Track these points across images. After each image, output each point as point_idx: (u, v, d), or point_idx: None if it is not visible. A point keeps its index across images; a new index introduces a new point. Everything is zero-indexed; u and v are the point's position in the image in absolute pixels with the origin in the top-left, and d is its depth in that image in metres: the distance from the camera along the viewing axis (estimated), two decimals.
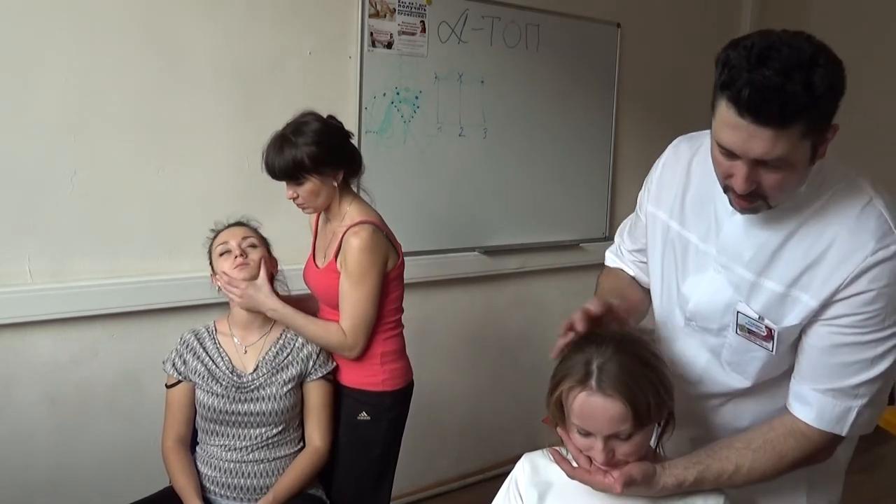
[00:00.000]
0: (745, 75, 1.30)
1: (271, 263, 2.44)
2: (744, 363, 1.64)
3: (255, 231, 2.46)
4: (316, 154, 2.32)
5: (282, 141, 2.35)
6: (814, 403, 1.54)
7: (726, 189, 1.48)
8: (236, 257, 2.34)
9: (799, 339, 1.56)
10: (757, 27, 4.86)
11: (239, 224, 2.46)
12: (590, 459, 1.53)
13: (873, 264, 1.43)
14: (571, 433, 1.54)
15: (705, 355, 1.70)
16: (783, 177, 1.39)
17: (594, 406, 1.47)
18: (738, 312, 1.60)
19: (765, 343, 1.58)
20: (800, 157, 1.37)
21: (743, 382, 1.66)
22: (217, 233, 2.44)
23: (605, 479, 1.50)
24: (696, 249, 1.67)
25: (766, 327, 1.56)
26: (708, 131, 1.52)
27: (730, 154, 1.40)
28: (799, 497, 1.76)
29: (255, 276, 2.34)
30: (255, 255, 2.38)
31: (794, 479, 1.67)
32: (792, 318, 1.53)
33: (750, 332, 1.59)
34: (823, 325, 1.50)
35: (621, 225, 2.02)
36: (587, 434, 1.51)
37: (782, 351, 1.58)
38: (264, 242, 2.46)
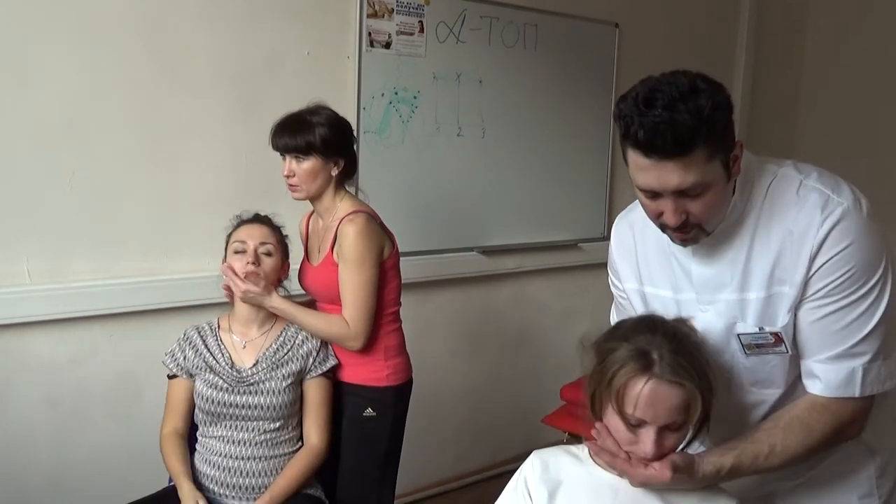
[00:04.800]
0: (637, 120, 1.43)
1: (283, 270, 2.45)
2: (768, 377, 1.68)
3: (277, 231, 2.45)
4: (327, 133, 2.40)
5: (296, 116, 2.43)
6: (820, 374, 1.59)
7: (663, 228, 1.58)
8: (248, 263, 2.34)
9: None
10: (755, 28, 4.94)
11: (262, 222, 2.45)
12: (628, 455, 1.53)
13: (827, 231, 1.52)
14: (615, 427, 1.53)
15: (727, 391, 1.71)
16: (707, 200, 1.50)
17: (659, 394, 1.49)
18: (738, 335, 1.64)
19: (777, 348, 1.63)
20: (716, 179, 1.48)
21: (775, 394, 1.69)
22: (239, 223, 2.44)
23: (648, 469, 1.50)
24: (675, 301, 1.73)
25: (771, 333, 1.61)
26: (637, 201, 1.69)
27: (653, 194, 1.52)
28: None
29: (262, 291, 2.35)
30: (268, 264, 2.38)
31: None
32: (783, 313, 1.59)
33: (759, 346, 1.64)
34: (807, 303, 1.57)
35: (610, 318, 2.05)
36: (638, 425, 1.50)
37: (791, 347, 1.63)
38: (282, 245, 2.45)
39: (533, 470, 1.65)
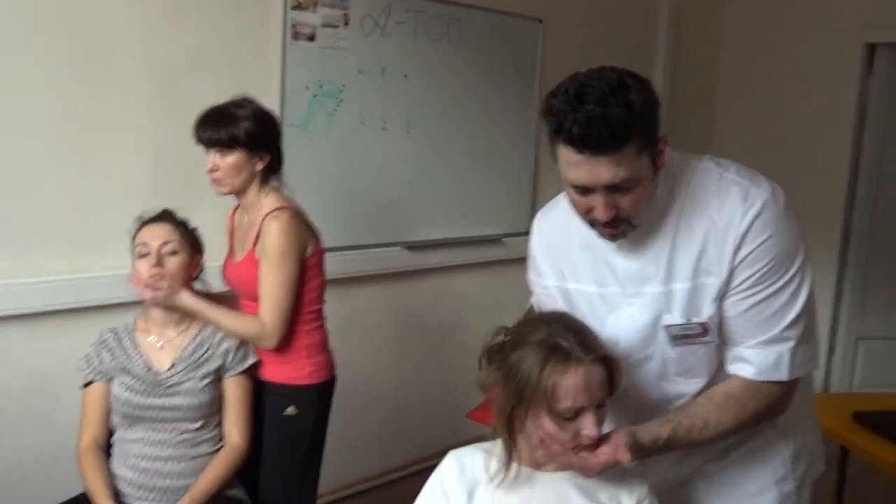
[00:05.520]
0: (570, 115, 1.44)
1: (193, 266, 2.39)
2: (693, 367, 1.71)
3: (182, 226, 2.38)
4: (252, 127, 2.37)
5: (220, 109, 2.39)
6: (751, 359, 1.65)
7: (592, 224, 1.60)
8: (151, 266, 2.28)
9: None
10: (674, 24, 5.03)
11: (164, 219, 2.37)
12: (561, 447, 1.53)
13: (749, 223, 1.57)
14: (543, 422, 1.52)
15: (655, 380, 1.75)
16: (636, 195, 1.53)
17: (589, 376, 1.51)
18: (666, 326, 1.67)
19: (704, 338, 1.67)
20: (644, 173, 1.52)
21: (699, 384, 1.73)
22: (141, 225, 2.36)
23: (600, 457, 1.52)
24: (600, 296, 1.75)
25: (698, 324, 1.66)
26: (557, 197, 1.77)
27: (583, 189, 1.53)
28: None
29: (169, 293, 2.30)
30: (173, 263, 2.31)
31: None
32: (708, 303, 1.64)
33: (685, 336, 1.68)
34: (733, 294, 1.62)
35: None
36: (575, 415, 1.50)
37: (716, 336, 1.68)
38: (188, 241, 2.38)
39: (450, 471, 1.65)
